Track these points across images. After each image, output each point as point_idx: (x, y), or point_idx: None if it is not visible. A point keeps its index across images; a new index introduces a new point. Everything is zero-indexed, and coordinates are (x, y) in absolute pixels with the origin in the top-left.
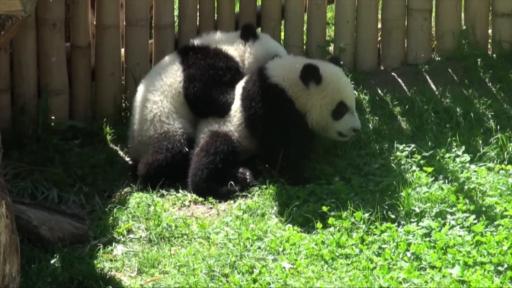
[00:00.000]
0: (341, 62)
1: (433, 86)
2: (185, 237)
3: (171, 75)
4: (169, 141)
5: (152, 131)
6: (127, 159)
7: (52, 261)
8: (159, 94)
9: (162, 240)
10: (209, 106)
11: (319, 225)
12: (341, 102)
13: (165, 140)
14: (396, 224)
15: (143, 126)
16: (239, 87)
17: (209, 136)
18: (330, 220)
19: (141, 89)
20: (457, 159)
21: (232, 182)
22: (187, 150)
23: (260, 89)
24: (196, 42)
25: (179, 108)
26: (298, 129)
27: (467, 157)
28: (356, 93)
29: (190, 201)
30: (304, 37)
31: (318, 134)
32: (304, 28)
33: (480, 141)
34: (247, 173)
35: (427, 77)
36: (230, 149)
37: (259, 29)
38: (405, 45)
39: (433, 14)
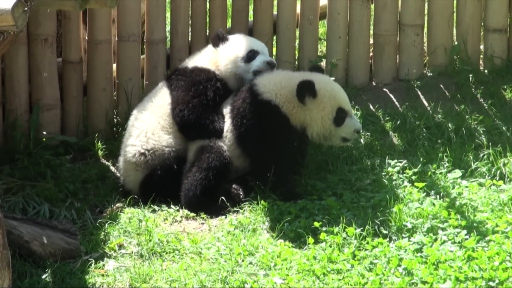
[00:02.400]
0: (323, 69)
1: (425, 102)
2: (177, 252)
3: (161, 98)
4: (158, 159)
5: (138, 147)
6: (119, 174)
7: (43, 276)
8: (148, 114)
9: (154, 255)
10: (198, 132)
11: (310, 240)
12: (340, 108)
13: (155, 160)
14: (387, 239)
15: (129, 142)
16: (228, 106)
17: (201, 152)
18: (322, 236)
19: (133, 113)
20: (449, 175)
21: (224, 198)
22: (175, 167)
23: (251, 106)
24: (179, 66)
25: (167, 127)
26: (292, 145)
27: (458, 173)
28: None
29: (181, 217)
30: (296, 52)
31: (319, 144)
32: (296, 44)
33: (472, 157)
34: (240, 189)
35: (419, 92)
36: (222, 165)
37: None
38: (397, 60)
39: (425, 29)
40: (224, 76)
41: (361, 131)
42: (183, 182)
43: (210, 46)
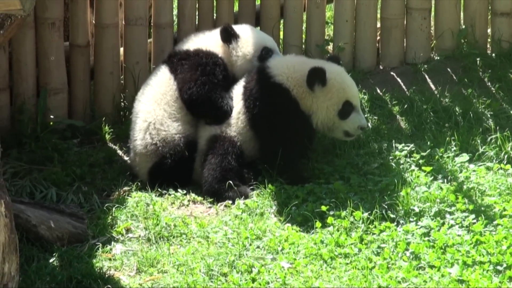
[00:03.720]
0: (341, 62)
1: (432, 86)
2: (184, 236)
3: (164, 85)
4: (168, 146)
5: (148, 140)
6: (126, 158)
7: (51, 260)
8: (152, 103)
9: (161, 239)
10: (207, 108)
11: (318, 224)
12: (347, 102)
13: (165, 147)
14: (395, 223)
15: (138, 137)
16: (240, 87)
17: (215, 141)
18: (329, 220)
19: (136, 103)
20: (456, 159)
21: (236, 182)
22: (187, 153)
23: (263, 88)
24: (178, 48)
25: (174, 113)
26: (301, 129)
27: (466, 157)
28: None
29: (189, 201)
30: (303, 36)
31: (323, 134)
32: (303, 27)
33: (479, 141)
34: (251, 173)
35: (426, 76)
36: (236, 151)
37: (237, 28)
38: (404, 44)
39: (432, 13)
40: (236, 71)
41: (365, 128)
42: (202, 172)
43: (213, 33)
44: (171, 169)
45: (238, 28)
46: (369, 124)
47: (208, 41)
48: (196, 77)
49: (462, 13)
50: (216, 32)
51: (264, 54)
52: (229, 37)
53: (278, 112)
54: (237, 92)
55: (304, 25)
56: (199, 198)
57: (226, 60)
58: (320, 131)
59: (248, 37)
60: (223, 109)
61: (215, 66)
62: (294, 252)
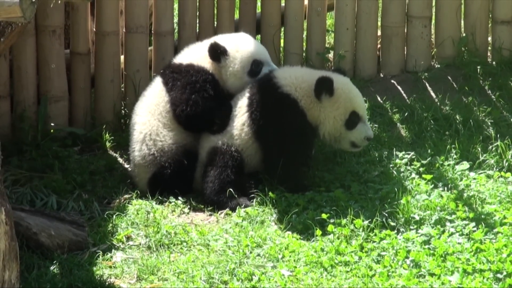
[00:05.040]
0: (346, 74)
1: (432, 94)
2: (185, 244)
3: (157, 95)
4: (167, 157)
5: (146, 150)
6: (127, 166)
7: (51, 268)
8: (147, 114)
9: (161, 247)
10: (203, 124)
11: (318, 232)
12: (354, 112)
13: (163, 156)
14: (395, 231)
15: (136, 148)
16: (244, 99)
17: (215, 153)
18: (330, 228)
19: (133, 115)
20: (457, 167)
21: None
22: (186, 162)
23: (270, 99)
24: (174, 60)
25: (168, 123)
26: (307, 140)
27: (466, 165)
28: None
29: (189, 208)
30: (304, 44)
31: (329, 145)
32: (304, 35)
33: (480, 149)
34: (252, 182)
35: (427, 84)
36: (237, 164)
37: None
38: (405, 52)
39: (433, 21)
40: (228, 88)
41: (371, 139)
42: (202, 184)
43: (206, 43)
44: (171, 178)
45: (227, 41)
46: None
47: (200, 55)
48: (187, 96)
49: (462, 21)
50: (207, 44)
51: (254, 68)
52: (217, 55)
53: (286, 123)
54: (242, 103)
55: (305, 33)
56: (200, 206)
57: (217, 76)
58: (327, 142)
59: (236, 53)
60: (218, 122)
61: (205, 83)
62: (294, 260)
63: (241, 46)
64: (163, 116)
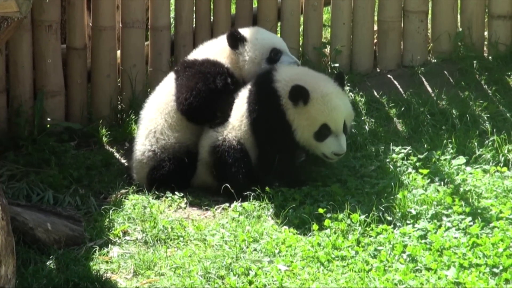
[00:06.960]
0: (345, 82)
1: (429, 88)
2: (181, 239)
3: (167, 93)
4: (168, 153)
5: (147, 146)
6: (123, 160)
7: (47, 263)
8: (155, 111)
9: (158, 242)
10: (203, 113)
11: (315, 227)
12: (324, 125)
13: (164, 153)
14: (392, 226)
15: (139, 142)
16: (246, 90)
17: (216, 152)
18: (326, 222)
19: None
20: (453, 161)
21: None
22: (186, 160)
23: (262, 92)
24: (188, 57)
25: (174, 125)
26: (285, 138)
27: (462, 159)
28: (352, 95)
29: (186, 203)
30: (300, 39)
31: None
32: (300, 30)
33: (476, 143)
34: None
35: (423, 79)
36: (241, 154)
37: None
38: (401, 47)
39: (429, 16)
40: (244, 75)
41: (341, 154)
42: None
43: (221, 39)
44: (169, 173)
45: (245, 31)
46: (366, 127)
47: (215, 50)
48: (193, 85)
49: (459, 16)
50: (223, 39)
51: (273, 55)
52: (235, 42)
53: (269, 118)
54: (243, 95)
55: (301, 28)
56: (197, 201)
57: (232, 67)
58: (304, 148)
59: (255, 40)
60: (220, 114)
61: (216, 75)
62: (291, 255)
63: (260, 35)
64: (171, 116)
